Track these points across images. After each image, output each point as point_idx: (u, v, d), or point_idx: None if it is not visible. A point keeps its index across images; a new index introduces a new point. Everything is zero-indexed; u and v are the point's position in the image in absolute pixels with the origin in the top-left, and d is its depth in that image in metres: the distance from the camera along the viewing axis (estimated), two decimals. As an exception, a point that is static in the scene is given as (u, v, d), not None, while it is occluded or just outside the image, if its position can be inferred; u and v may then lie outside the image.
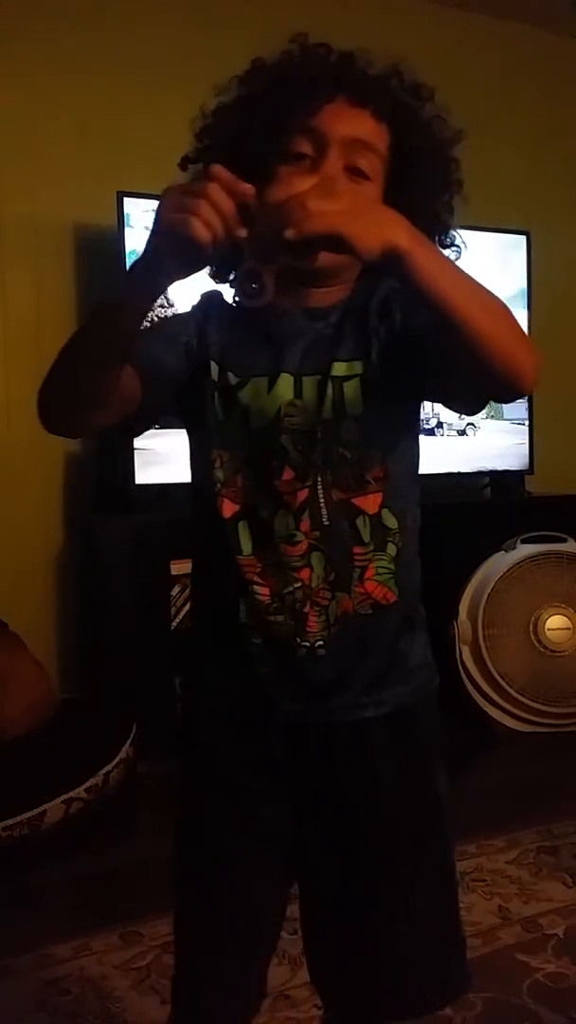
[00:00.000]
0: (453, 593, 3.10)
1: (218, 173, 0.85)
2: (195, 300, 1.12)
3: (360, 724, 1.07)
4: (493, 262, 3.38)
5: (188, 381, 1.06)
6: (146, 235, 0.89)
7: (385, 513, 1.05)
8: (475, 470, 3.41)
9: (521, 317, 3.45)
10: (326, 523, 1.03)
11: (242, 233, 0.87)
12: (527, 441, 3.50)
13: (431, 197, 1.08)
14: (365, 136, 1.02)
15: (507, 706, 3.05)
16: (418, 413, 1.12)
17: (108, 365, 0.94)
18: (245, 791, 1.09)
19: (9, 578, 2.89)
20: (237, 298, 0.88)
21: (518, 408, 3.45)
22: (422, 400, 1.11)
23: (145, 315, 0.93)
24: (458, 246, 1.12)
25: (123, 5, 3.10)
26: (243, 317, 1.06)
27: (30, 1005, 1.68)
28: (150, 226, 0.88)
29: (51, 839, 2.22)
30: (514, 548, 3.15)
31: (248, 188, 0.85)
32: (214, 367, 1.05)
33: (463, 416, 3.34)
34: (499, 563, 3.12)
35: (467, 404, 1.06)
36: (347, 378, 1.03)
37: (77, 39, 3.03)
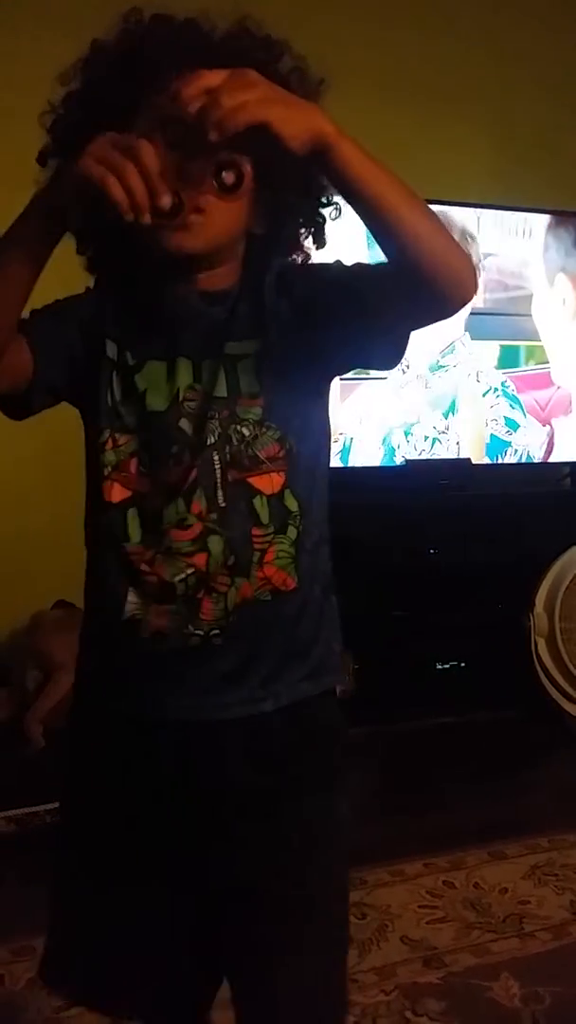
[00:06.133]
0: (530, 585, 3.06)
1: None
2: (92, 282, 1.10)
3: (256, 720, 1.02)
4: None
5: (83, 358, 1.03)
6: None
7: (287, 494, 1.01)
8: (555, 460, 3.36)
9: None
10: (223, 504, 0.99)
11: (166, 202, 0.83)
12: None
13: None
14: None
15: (583, 700, 3.00)
16: (325, 394, 1.08)
17: None
18: (136, 801, 1.04)
19: (79, 561, 2.92)
20: (163, 235, 0.89)
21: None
22: (331, 374, 1.08)
23: (38, 263, 0.90)
24: (335, 203, 1.07)
25: None
26: (141, 298, 1.03)
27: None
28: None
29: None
30: (593, 540, 3.09)
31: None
32: (111, 346, 1.02)
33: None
34: (578, 555, 3.07)
35: (392, 345, 1.01)
36: (240, 357, 1.01)
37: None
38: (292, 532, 1.01)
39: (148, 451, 1.01)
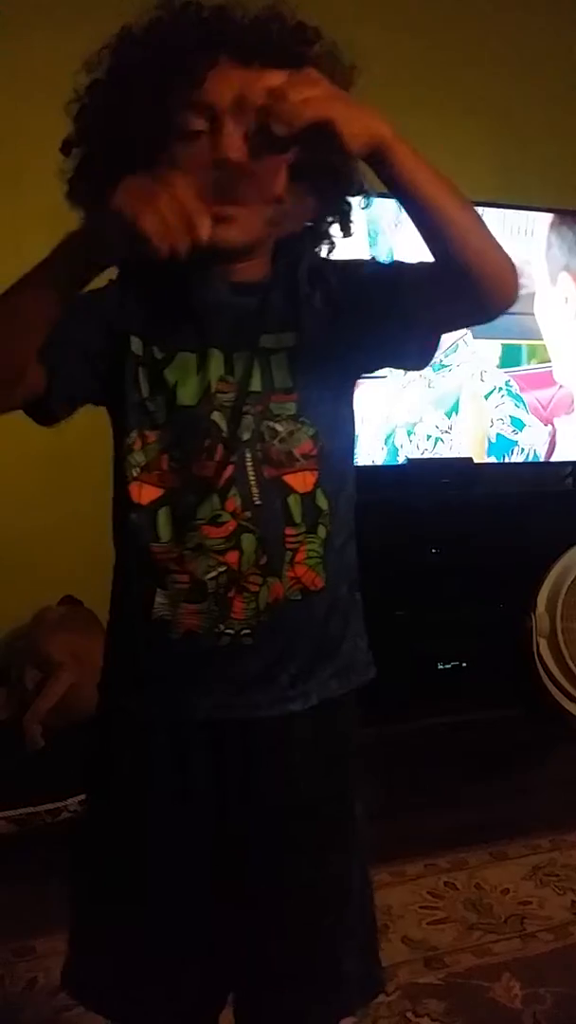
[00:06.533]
0: (531, 585, 3.06)
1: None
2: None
3: (284, 720, 1.02)
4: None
5: (106, 357, 1.00)
6: None
7: (318, 493, 1.00)
8: (556, 459, 3.36)
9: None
10: (258, 503, 0.98)
11: (204, 233, 0.82)
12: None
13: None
14: None
15: (584, 701, 2.99)
16: (352, 392, 1.07)
17: (20, 341, 0.89)
18: (164, 803, 1.04)
19: (85, 559, 2.92)
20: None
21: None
22: (360, 371, 1.06)
23: (67, 299, 0.89)
24: (366, 191, 1.06)
25: None
26: (165, 288, 1.00)
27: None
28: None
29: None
30: (595, 540, 3.09)
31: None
32: (136, 341, 1.00)
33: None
34: (579, 555, 3.06)
35: (424, 346, 1.01)
36: (275, 351, 1.00)
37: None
38: (322, 532, 1.01)
39: (179, 446, 0.99)
